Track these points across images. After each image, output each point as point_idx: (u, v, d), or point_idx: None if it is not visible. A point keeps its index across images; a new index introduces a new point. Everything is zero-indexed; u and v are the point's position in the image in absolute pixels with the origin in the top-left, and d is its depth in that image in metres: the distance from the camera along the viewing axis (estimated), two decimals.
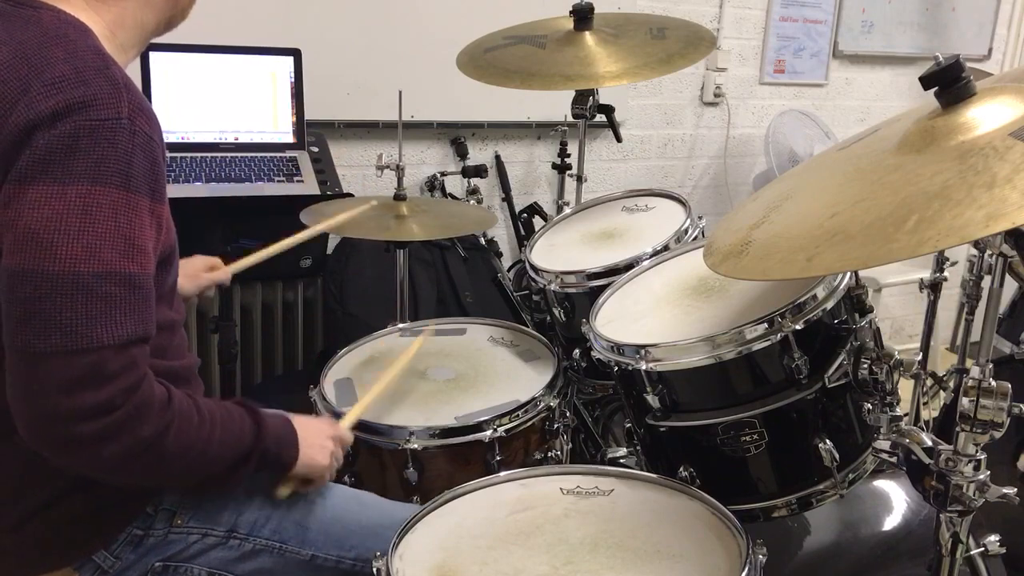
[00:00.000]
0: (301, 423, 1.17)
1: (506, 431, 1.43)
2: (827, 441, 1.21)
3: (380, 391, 1.43)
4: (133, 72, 1.88)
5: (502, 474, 1.25)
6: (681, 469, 1.29)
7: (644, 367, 1.25)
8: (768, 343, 1.19)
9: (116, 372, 0.91)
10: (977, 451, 1.00)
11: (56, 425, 0.90)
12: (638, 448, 1.44)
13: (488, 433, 1.41)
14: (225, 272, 1.54)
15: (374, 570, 1.04)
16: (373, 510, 1.26)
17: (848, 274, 1.24)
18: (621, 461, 1.55)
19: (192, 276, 1.47)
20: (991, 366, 0.98)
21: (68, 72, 0.92)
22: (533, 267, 1.70)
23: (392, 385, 1.48)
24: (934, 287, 1.89)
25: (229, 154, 2.16)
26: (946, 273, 1.86)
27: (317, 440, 1.18)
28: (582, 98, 1.97)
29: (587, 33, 1.90)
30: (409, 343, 1.74)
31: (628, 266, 1.56)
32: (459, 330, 1.80)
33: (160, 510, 1.11)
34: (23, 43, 0.94)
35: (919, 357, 1.16)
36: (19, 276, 0.89)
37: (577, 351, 1.62)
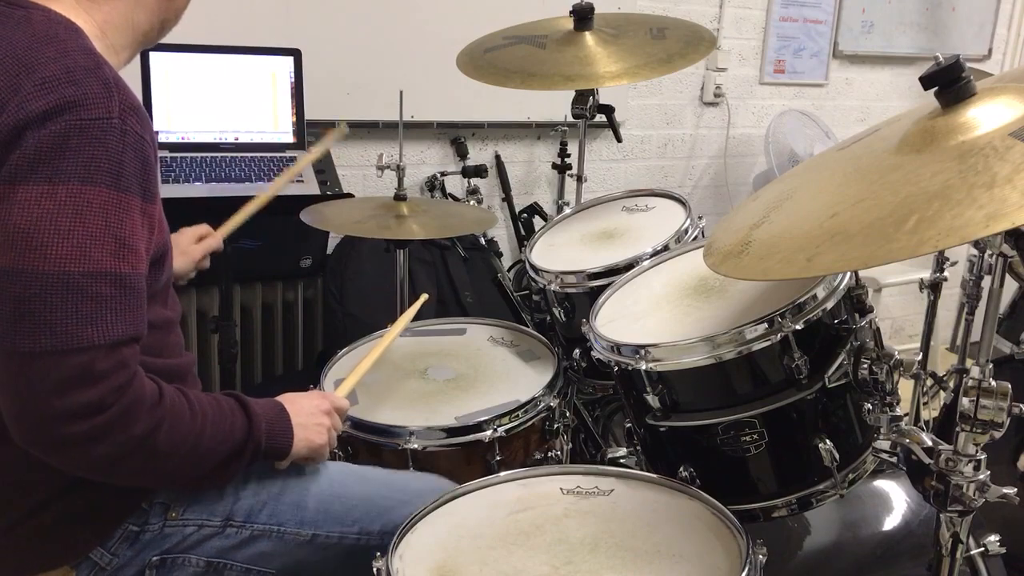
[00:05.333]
0: (294, 406, 1.16)
1: (506, 431, 1.43)
2: (827, 441, 1.21)
3: (378, 357, 1.42)
4: (133, 72, 1.88)
5: (502, 474, 1.25)
6: (681, 469, 1.29)
7: (644, 367, 1.25)
8: (768, 343, 1.18)
9: (106, 372, 0.91)
10: (977, 451, 1.00)
11: (47, 425, 0.90)
12: (638, 448, 1.43)
13: (488, 433, 1.41)
14: (216, 239, 1.52)
15: (374, 570, 1.04)
16: (374, 483, 1.25)
17: (848, 274, 1.24)
18: (621, 461, 1.55)
19: (184, 252, 1.46)
20: (991, 366, 0.99)
21: (59, 72, 0.92)
22: (533, 267, 1.70)
23: (395, 363, 1.45)
24: (934, 287, 1.88)
25: (229, 154, 2.15)
26: (946, 273, 1.86)
27: (311, 420, 1.17)
28: (582, 98, 1.97)
29: (587, 33, 1.90)
30: (409, 342, 1.74)
31: (628, 266, 1.56)
32: (459, 330, 1.80)
33: (155, 504, 1.11)
34: (13, 43, 0.94)
35: (919, 357, 1.17)
36: (9, 276, 0.89)
37: (577, 351, 1.62)
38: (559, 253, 1.77)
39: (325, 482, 1.21)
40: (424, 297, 1.63)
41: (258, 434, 1.07)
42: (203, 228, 1.53)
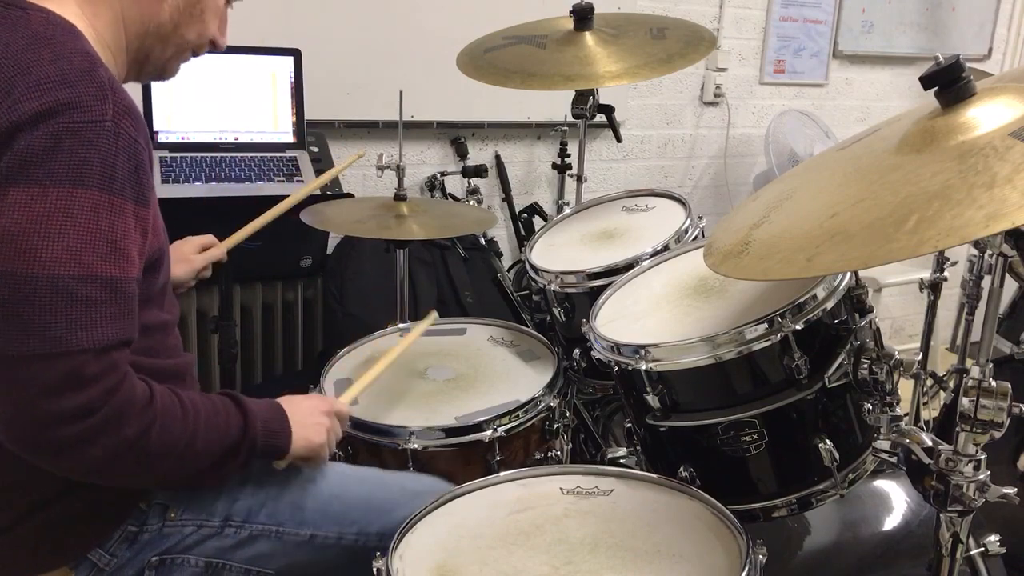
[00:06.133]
0: (292, 405, 1.16)
1: (506, 431, 1.43)
2: (827, 441, 1.21)
3: (384, 368, 1.41)
4: None
5: (502, 474, 1.25)
6: (681, 469, 1.29)
7: (644, 367, 1.25)
8: (768, 343, 1.18)
9: (95, 375, 0.90)
10: (977, 451, 1.00)
11: (37, 429, 0.90)
12: (638, 448, 1.44)
13: (488, 433, 1.41)
14: (219, 249, 1.51)
15: (374, 570, 1.04)
16: (372, 484, 1.25)
17: (848, 274, 1.24)
18: (621, 461, 1.55)
19: (184, 260, 1.45)
20: (991, 366, 0.99)
21: (53, 74, 0.91)
22: (533, 267, 1.70)
23: (396, 364, 1.45)
24: (934, 287, 1.88)
25: (229, 154, 2.16)
26: (946, 273, 1.85)
27: (310, 419, 1.17)
28: (582, 98, 1.97)
29: (587, 33, 1.90)
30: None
31: (628, 266, 1.56)
32: (459, 330, 1.80)
33: (153, 505, 1.11)
34: (10, 45, 0.94)
35: (919, 357, 1.17)
36: None
37: (577, 351, 1.62)
38: (559, 253, 1.77)
39: (323, 483, 1.21)
40: (434, 315, 1.62)
41: (254, 432, 1.07)
42: (207, 238, 1.51)
